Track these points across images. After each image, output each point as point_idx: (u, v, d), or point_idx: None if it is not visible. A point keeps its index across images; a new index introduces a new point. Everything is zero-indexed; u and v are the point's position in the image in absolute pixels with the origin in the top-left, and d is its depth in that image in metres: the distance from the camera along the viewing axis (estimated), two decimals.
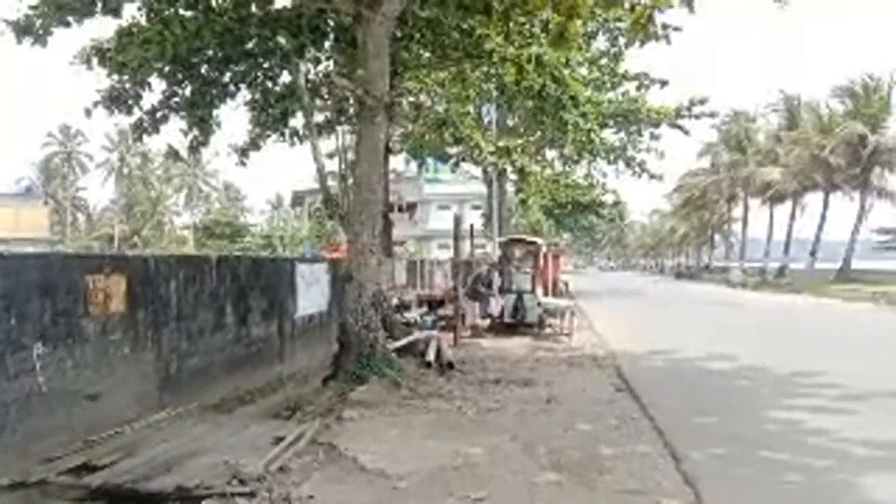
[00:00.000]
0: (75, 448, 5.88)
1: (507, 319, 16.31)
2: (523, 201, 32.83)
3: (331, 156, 15.41)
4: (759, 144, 55.32)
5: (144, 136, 11.55)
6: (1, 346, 5.40)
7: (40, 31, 9.12)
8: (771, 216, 54.28)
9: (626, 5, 9.44)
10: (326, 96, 13.57)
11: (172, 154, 12.88)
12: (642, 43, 12.52)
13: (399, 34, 10.95)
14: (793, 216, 51.00)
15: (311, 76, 12.64)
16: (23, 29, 9.08)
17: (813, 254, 49.29)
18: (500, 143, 21.04)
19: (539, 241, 18.88)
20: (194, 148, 12.21)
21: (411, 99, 16.87)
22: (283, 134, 13.56)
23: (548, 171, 31.85)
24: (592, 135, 13.89)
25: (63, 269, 6.25)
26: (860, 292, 32.26)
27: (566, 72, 12.67)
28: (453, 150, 22.01)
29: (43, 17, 9.03)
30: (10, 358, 5.48)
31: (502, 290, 16.83)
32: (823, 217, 46.98)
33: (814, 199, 49.66)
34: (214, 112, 11.58)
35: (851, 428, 7.39)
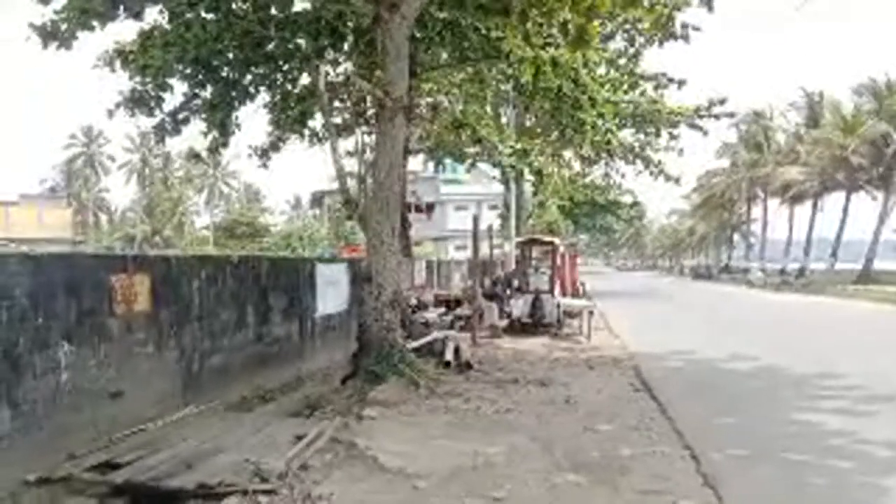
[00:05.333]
0: (99, 445, 5.97)
1: (524, 320, 16.27)
2: (541, 203, 32.79)
3: (350, 154, 15.48)
4: (779, 144, 54.74)
5: (166, 138, 11.70)
6: (28, 344, 5.49)
7: (65, 35, 9.27)
8: (791, 216, 53.78)
9: (646, 4, 9.39)
10: (346, 98, 13.64)
11: (193, 155, 13.03)
12: (661, 43, 12.51)
13: (418, 35, 10.98)
14: (813, 216, 50.46)
15: (330, 78, 12.71)
16: (49, 33, 9.23)
17: (834, 254, 48.69)
18: (518, 145, 20.98)
19: (556, 241, 18.83)
20: (215, 149, 12.35)
21: (429, 100, 16.90)
22: (302, 135, 13.70)
23: (565, 172, 31.72)
24: (610, 135, 13.81)
25: (88, 268, 6.35)
26: (883, 293, 31.82)
27: (584, 72, 12.62)
28: (471, 151, 21.99)
29: (68, 21, 9.17)
30: (37, 356, 5.57)
31: (520, 290, 16.81)
32: (845, 217, 46.44)
33: (835, 199, 49.14)
34: (234, 114, 11.70)
35: (875, 429, 7.33)
